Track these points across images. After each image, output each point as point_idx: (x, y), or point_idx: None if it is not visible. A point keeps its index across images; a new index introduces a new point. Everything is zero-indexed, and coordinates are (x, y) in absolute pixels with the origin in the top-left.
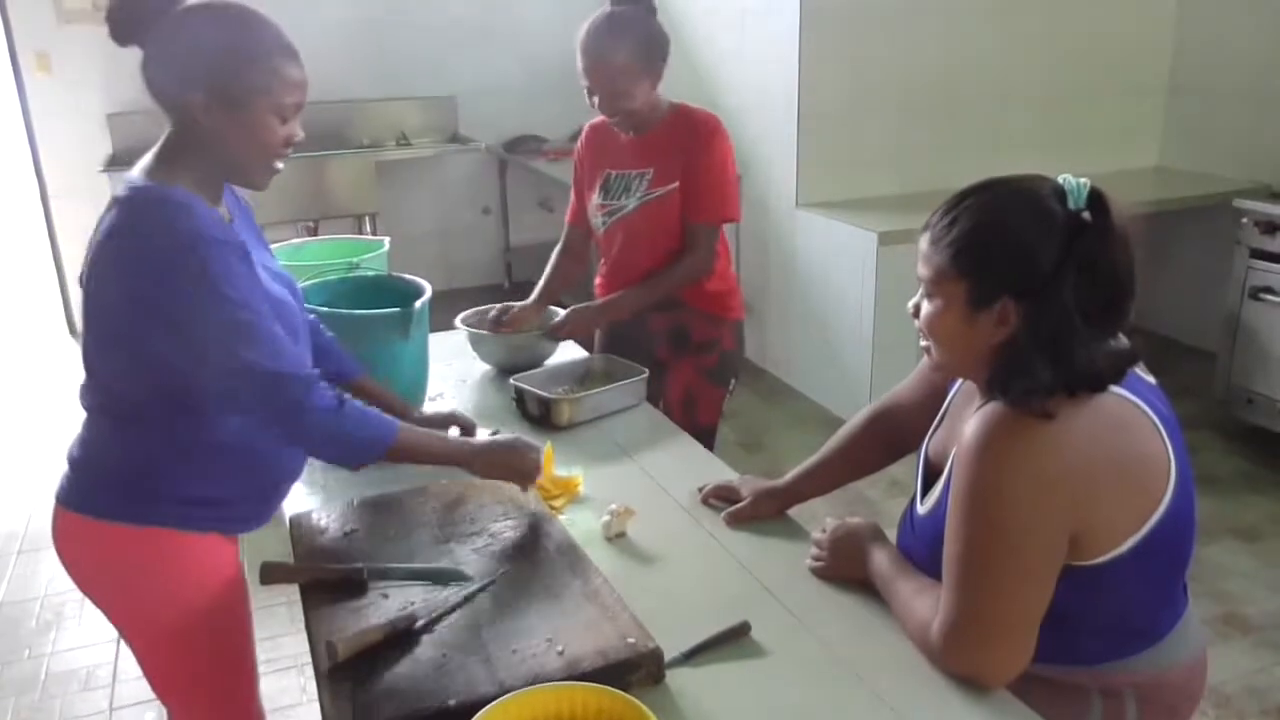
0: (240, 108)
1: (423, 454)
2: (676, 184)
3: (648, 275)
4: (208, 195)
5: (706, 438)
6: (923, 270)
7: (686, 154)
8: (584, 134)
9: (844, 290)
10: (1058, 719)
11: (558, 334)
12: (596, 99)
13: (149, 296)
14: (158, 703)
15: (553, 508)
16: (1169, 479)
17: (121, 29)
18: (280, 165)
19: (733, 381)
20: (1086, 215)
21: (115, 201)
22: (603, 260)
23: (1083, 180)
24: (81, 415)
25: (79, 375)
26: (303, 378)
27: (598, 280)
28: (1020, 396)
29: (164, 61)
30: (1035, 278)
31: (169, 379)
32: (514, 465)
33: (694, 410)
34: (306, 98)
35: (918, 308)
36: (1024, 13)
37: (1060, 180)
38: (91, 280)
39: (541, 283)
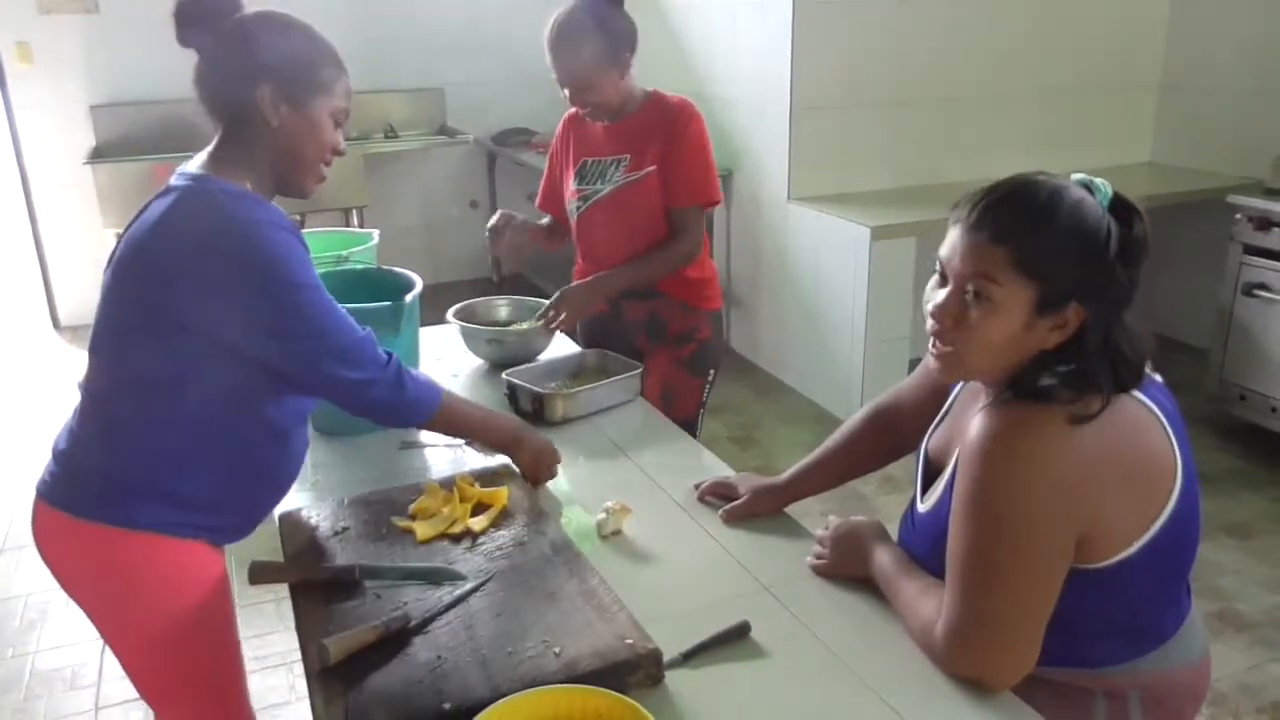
0: (304, 105)
1: (465, 422)
2: (653, 168)
3: (627, 260)
4: (264, 196)
5: (687, 428)
6: (963, 267)
7: (664, 140)
8: (563, 121)
9: (836, 285)
10: None
11: (550, 322)
12: (568, 92)
13: (212, 283)
14: (144, 702)
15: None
16: (1175, 479)
17: (186, 30)
18: (326, 172)
19: (712, 372)
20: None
21: (171, 189)
22: (578, 251)
23: (1099, 180)
24: (70, 408)
25: (63, 370)
26: (371, 358)
27: (575, 271)
28: (1053, 395)
29: (229, 59)
30: (1102, 278)
31: (180, 373)
32: (546, 460)
33: (673, 401)
34: (351, 106)
35: (951, 310)
36: (1017, 8)
37: (1080, 179)
38: (126, 263)
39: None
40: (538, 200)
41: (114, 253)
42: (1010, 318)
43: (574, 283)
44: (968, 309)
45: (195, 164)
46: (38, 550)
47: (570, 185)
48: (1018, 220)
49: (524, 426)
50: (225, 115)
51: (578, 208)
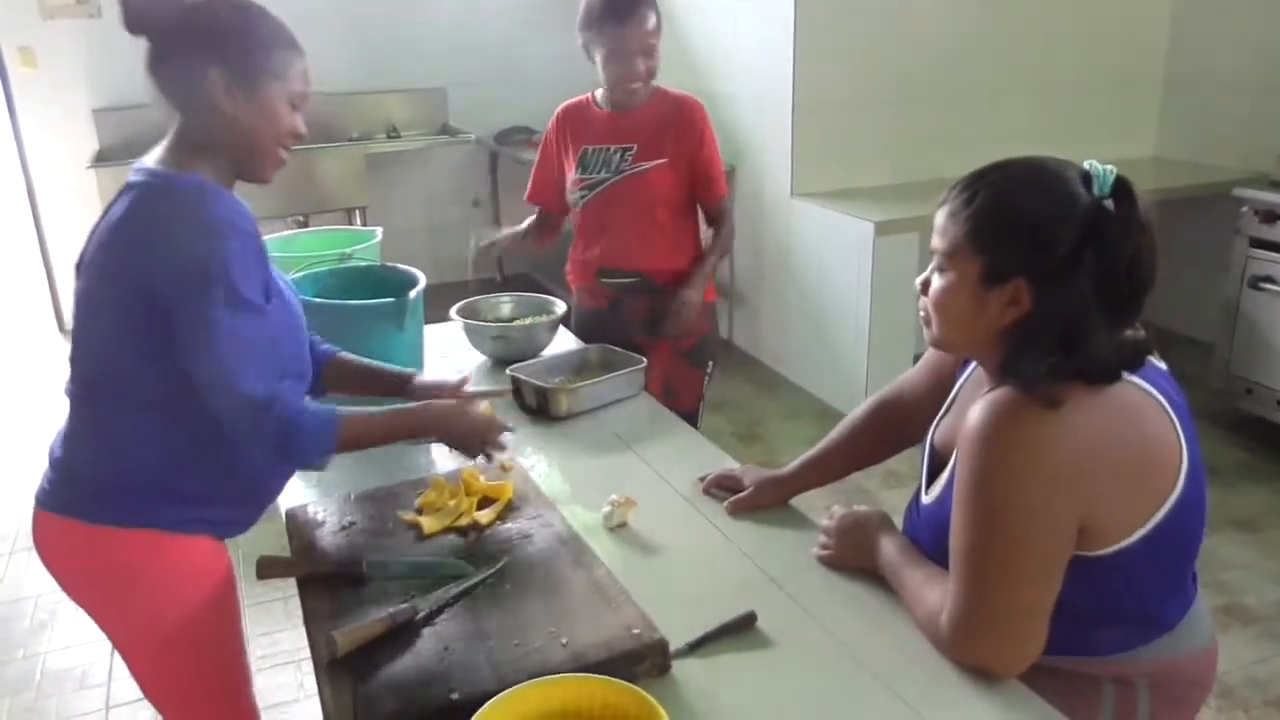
0: (255, 89)
1: (382, 433)
2: (664, 161)
3: (638, 249)
4: (223, 186)
5: (689, 421)
6: (937, 242)
7: (680, 138)
8: (557, 115)
9: (839, 281)
10: (1070, 709)
11: (675, 330)
12: (621, 67)
13: (161, 285)
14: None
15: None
16: (1180, 468)
17: (134, 17)
18: (285, 157)
19: (711, 364)
20: (1109, 203)
21: (129, 187)
22: (579, 239)
23: (1109, 167)
24: (66, 411)
25: (67, 369)
26: (267, 406)
27: (571, 261)
28: (1030, 381)
29: (178, 45)
30: (1053, 261)
31: (160, 371)
32: (466, 427)
33: (674, 394)
34: (311, 91)
35: (926, 283)
36: (1020, 4)
37: (1086, 165)
38: (95, 266)
39: (525, 224)
40: (528, 193)
41: (82, 255)
42: (961, 289)
43: (680, 293)
44: (934, 280)
45: (152, 158)
46: (40, 559)
47: (571, 175)
48: (972, 199)
49: (433, 404)
50: (178, 103)
51: (582, 196)
